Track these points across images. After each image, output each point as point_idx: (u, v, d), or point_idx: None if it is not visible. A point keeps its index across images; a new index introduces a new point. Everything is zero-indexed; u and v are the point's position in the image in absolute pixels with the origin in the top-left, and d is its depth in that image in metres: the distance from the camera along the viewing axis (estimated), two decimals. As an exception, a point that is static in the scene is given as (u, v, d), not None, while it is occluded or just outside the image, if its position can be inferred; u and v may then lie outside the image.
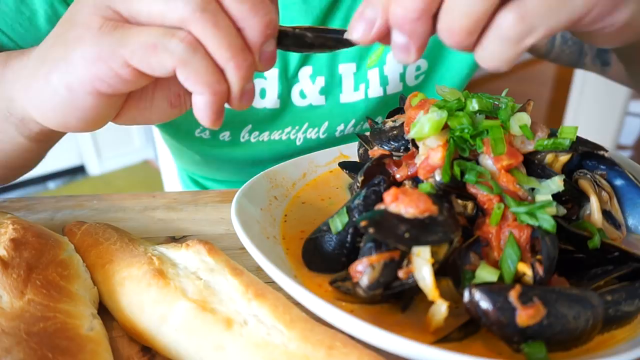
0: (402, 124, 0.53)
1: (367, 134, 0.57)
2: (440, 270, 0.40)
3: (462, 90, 0.89)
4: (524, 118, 0.45)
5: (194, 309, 0.38)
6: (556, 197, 0.42)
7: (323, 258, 0.46)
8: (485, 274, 0.39)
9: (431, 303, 0.38)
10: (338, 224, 0.45)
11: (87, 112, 0.39)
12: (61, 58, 0.38)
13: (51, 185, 3.16)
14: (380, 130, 0.54)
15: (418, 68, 0.82)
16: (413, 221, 0.39)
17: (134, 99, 0.42)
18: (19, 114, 0.46)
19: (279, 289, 0.42)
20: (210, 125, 0.38)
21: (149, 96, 0.42)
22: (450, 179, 0.42)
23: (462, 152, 0.44)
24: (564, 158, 0.47)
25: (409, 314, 0.41)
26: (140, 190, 1.40)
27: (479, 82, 4.03)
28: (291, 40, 0.39)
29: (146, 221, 0.61)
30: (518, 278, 0.39)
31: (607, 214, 0.47)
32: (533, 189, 0.43)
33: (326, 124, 0.83)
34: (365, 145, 0.58)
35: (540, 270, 0.38)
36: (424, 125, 0.44)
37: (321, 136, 0.85)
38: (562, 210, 0.43)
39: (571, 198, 0.47)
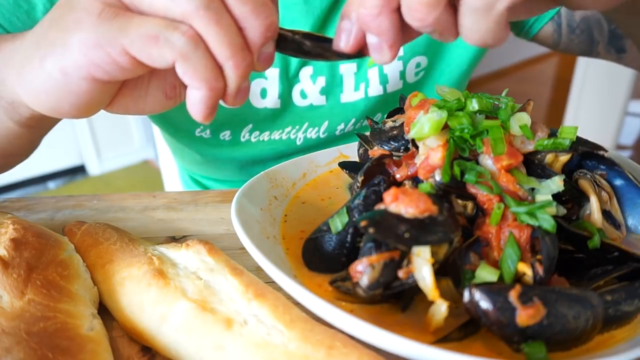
0: (402, 124, 0.53)
1: (367, 134, 0.57)
2: (440, 270, 0.40)
3: (464, 85, 0.90)
4: (524, 118, 0.45)
5: (194, 309, 0.38)
6: (556, 197, 0.42)
7: (323, 258, 0.46)
8: (485, 274, 0.39)
9: (431, 303, 0.38)
10: (338, 224, 0.45)
11: (80, 98, 0.39)
12: (58, 41, 0.37)
13: (51, 185, 3.16)
14: (380, 130, 0.54)
15: (418, 65, 0.83)
16: (413, 221, 0.39)
17: (128, 87, 0.41)
18: (9, 97, 0.45)
19: (279, 289, 0.42)
20: (202, 120, 0.38)
21: (144, 85, 0.42)
22: (450, 179, 0.42)
23: (462, 152, 0.44)
24: (564, 158, 0.47)
25: (409, 314, 0.41)
26: (140, 190, 1.41)
27: (479, 82, 4.03)
28: (289, 45, 0.40)
29: (146, 221, 0.61)
30: (518, 278, 0.39)
31: (607, 214, 0.47)
32: (533, 189, 0.43)
33: (326, 123, 0.83)
34: (365, 145, 0.58)
35: (540, 270, 0.38)
36: (424, 125, 0.44)
37: (321, 135, 0.85)
38: (562, 210, 0.43)
39: (571, 198, 0.47)
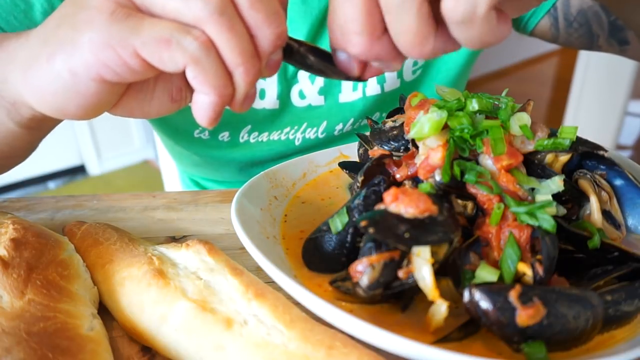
0: (402, 124, 0.53)
1: (367, 134, 0.57)
2: (440, 270, 0.40)
3: (463, 82, 0.90)
4: (524, 118, 0.45)
5: (194, 309, 0.38)
6: (556, 197, 0.42)
7: (323, 258, 0.46)
8: (485, 274, 0.39)
9: (431, 303, 0.38)
10: (338, 224, 0.45)
11: (87, 99, 0.38)
12: (68, 40, 0.36)
13: (51, 185, 3.16)
14: (380, 130, 0.55)
15: (415, 63, 0.83)
16: (413, 221, 0.39)
17: (134, 89, 0.41)
18: (11, 97, 0.44)
19: (279, 289, 0.42)
20: (207, 125, 0.38)
21: (150, 88, 0.41)
22: (450, 179, 0.42)
23: (462, 152, 0.44)
24: (564, 158, 0.47)
25: (409, 314, 0.41)
26: (140, 190, 1.41)
27: (479, 82, 4.03)
28: (294, 55, 0.40)
29: (146, 221, 0.61)
30: (518, 278, 0.39)
31: (607, 214, 0.47)
32: (533, 189, 0.43)
33: (325, 123, 0.83)
34: (365, 145, 0.58)
35: (540, 270, 0.38)
36: (424, 125, 0.44)
37: (320, 136, 0.85)
38: (562, 210, 0.43)
39: (571, 198, 0.47)
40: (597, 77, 2.76)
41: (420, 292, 0.38)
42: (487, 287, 0.36)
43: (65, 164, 3.19)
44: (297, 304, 0.40)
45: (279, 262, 0.44)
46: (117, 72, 0.36)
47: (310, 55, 0.39)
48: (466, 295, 0.36)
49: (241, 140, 0.84)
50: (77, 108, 0.39)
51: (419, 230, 0.38)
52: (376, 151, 0.52)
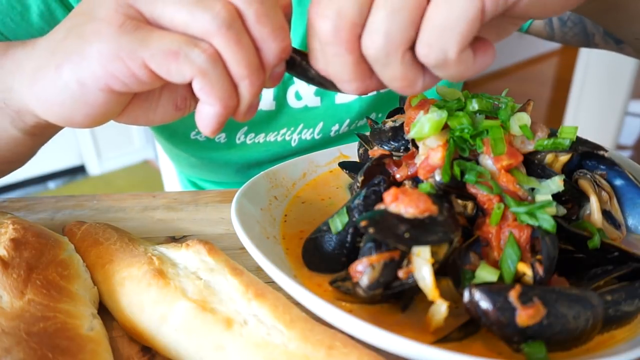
0: (402, 124, 0.53)
1: (367, 134, 0.57)
2: (440, 270, 0.40)
3: (460, 82, 0.89)
4: (524, 118, 0.45)
5: (194, 309, 0.38)
6: (556, 197, 0.42)
7: (323, 258, 0.46)
8: (485, 274, 0.39)
9: (431, 303, 0.38)
10: (338, 224, 0.45)
11: (95, 109, 0.39)
12: (76, 51, 0.37)
13: (51, 185, 3.16)
14: (380, 130, 0.54)
15: None
16: (413, 221, 0.39)
17: (140, 98, 0.41)
18: (16, 105, 0.45)
19: (279, 289, 0.42)
20: (210, 134, 0.39)
21: (155, 97, 0.42)
22: (450, 179, 0.42)
23: (462, 152, 0.44)
24: (564, 158, 0.47)
25: (409, 314, 0.41)
26: (140, 190, 1.41)
27: (479, 82, 4.03)
28: (296, 68, 0.41)
29: (146, 221, 0.61)
30: (518, 278, 0.39)
31: (607, 214, 0.47)
32: (533, 189, 0.43)
33: (321, 124, 0.83)
34: (365, 145, 0.58)
35: (540, 270, 0.38)
36: (424, 125, 0.44)
37: (316, 137, 0.85)
38: (562, 210, 0.43)
39: (571, 198, 0.47)
40: (597, 77, 2.76)
41: (420, 292, 0.38)
42: (487, 287, 0.36)
43: (65, 164, 3.19)
44: (297, 304, 0.40)
45: (279, 262, 0.44)
46: (125, 82, 0.37)
47: (311, 69, 0.40)
48: (466, 295, 0.36)
49: (237, 142, 0.84)
50: (84, 117, 0.40)
51: (419, 230, 0.38)
52: (376, 151, 0.52)
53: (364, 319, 0.35)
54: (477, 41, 0.35)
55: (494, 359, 0.35)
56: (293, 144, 0.85)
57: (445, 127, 0.44)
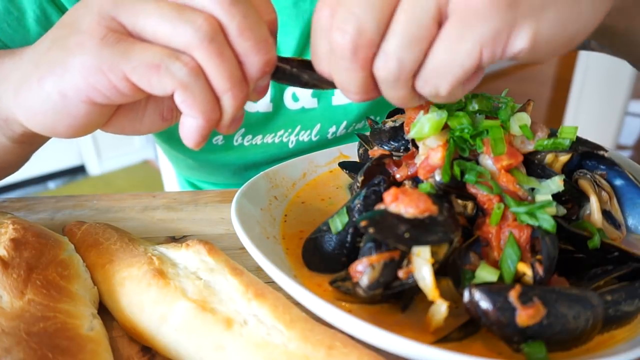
0: (402, 124, 0.53)
1: (367, 134, 0.57)
2: (440, 270, 0.40)
3: None
4: (524, 118, 0.45)
5: (194, 309, 0.38)
6: (556, 197, 0.42)
7: (323, 258, 0.46)
8: (485, 274, 0.39)
9: (431, 303, 0.38)
10: (338, 224, 0.45)
11: (77, 120, 0.39)
12: (58, 63, 0.37)
13: (51, 185, 3.16)
14: (380, 130, 0.54)
15: None
16: (413, 221, 0.39)
17: (125, 108, 0.42)
18: (4, 114, 0.45)
19: (279, 289, 0.42)
20: (193, 147, 0.39)
21: (141, 107, 0.42)
22: (450, 179, 0.42)
23: (462, 152, 0.44)
24: (564, 158, 0.47)
25: (409, 314, 0.41)
26: (140, 190, 1.41)
27: (479, 82, 4.02)
28: (286, 77, 0.41)
29: (146, 221, 0.61)
30: (518, 278, 0.39)
31: (607, 214, 0.47)
32: (533, 189, 0.43)
33: (318, 126, 0.83)
34: (365, 145, 0.58)
35: (540, 270, 0.38)
36: (424, 125, 0.44)
37: (313, 138, 0.85)
38: (562, 210, 0.43)
39: (571, 198, 0.47)
40: (597, 77, 2.76)
41: (420, 292, 0.38)
42: (487, 287, 0.36)
43: (65, 164, 3.19)
44: (297, 304, 0.40)
45: (279, 262, 0.44)
46: (106, 95, 0.37)
47: (303, 74, 0.40)
48: (466, 295, 0.36)
49: (235, 144, 0.84)
50: (67, 128, 0.40)
51: (419, 230, 0.38)
52: (376, 151, 0.52)
53: (364, 319, 0.35)
54: None
55: (494, 359, 0.35)
56: (290, 146, 0.85)
57: (445, 127, 0.44)
